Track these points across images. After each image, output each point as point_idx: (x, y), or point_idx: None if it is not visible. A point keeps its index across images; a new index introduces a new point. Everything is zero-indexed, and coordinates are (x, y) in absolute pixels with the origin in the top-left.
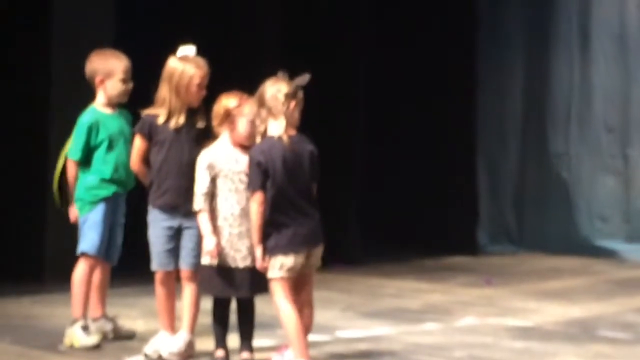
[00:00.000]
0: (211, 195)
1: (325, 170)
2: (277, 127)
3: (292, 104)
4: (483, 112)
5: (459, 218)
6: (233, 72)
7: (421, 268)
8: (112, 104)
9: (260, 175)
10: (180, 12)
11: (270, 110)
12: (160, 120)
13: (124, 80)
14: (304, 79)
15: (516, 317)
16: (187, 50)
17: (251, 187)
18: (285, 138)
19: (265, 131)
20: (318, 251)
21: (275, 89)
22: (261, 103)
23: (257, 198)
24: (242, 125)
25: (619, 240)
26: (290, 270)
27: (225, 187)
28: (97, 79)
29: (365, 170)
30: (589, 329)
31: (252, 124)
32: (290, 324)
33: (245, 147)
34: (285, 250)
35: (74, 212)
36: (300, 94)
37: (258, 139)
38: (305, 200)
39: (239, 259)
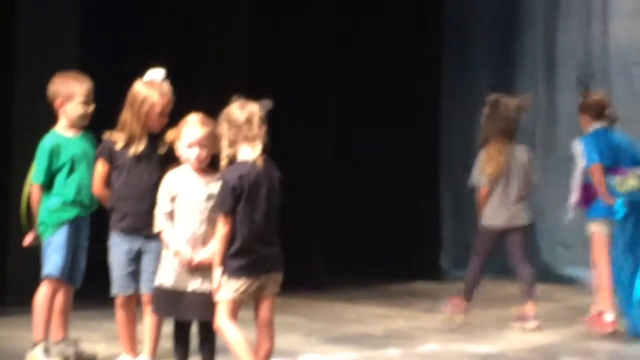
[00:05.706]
0: (171, 217)
1: (290, 194)
2: (251, 152)
3: (264, 128)
4: (447, 137)
5: (422, 243)
6: (200, 94)
7: (384, 293)
8: (74, 126)
9: (233, 200)
10: (147, 34)
11: (245, 134)
12: (119, 145)
13: (85, 103)
14: (267, 104)
15: (479, 343)
16: (155, 74)
17: (222, 209)
18: (260, 163)
19: (234, 155)
20: (277, 278)
21: (248, 112)
22: (232, 126)
23: (226, 221)
24: (184, 153)
25: (582, 267)
26: (242, 293)
27: (180, 211)
28: (58, 102)
29: (330, 196)
30: (550, 356)
31: (202, 146)
32: (238, 343)
33: (205, 172)
34: (243, 273)
35: (29, 237)
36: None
37: (224, 163)
38: (271, 226)
39: (190, 283)
